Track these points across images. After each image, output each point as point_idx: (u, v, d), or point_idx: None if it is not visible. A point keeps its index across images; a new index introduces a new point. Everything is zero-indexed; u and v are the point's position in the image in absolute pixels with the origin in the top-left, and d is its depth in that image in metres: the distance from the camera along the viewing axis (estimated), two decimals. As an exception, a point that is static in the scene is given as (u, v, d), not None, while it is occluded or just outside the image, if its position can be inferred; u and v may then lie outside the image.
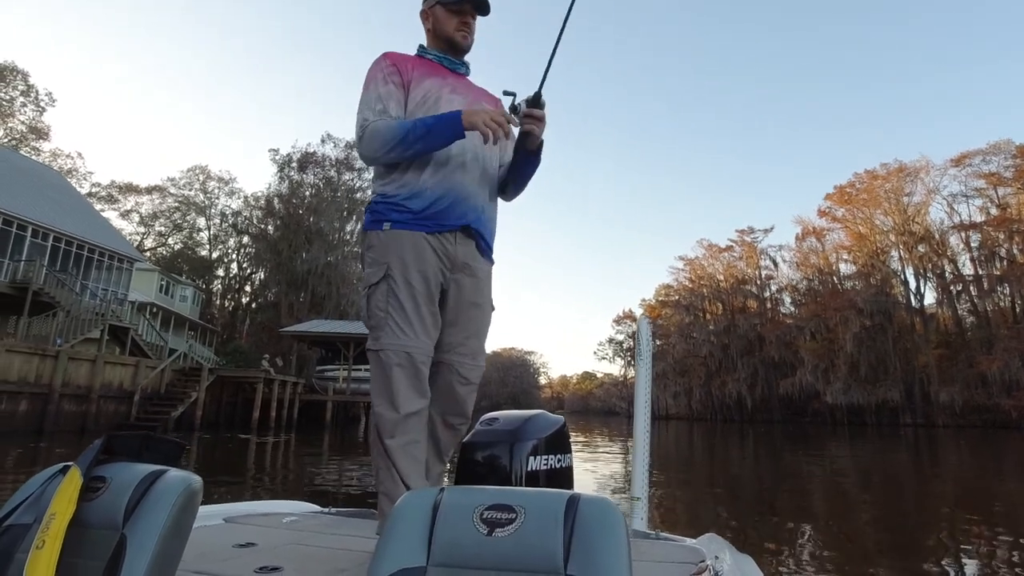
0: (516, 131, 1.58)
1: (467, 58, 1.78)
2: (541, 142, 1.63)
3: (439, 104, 1.60)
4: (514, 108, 1.54)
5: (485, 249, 1.66)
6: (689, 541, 1.52)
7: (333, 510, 1.84)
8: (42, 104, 38.33)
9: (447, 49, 1.72)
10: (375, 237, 1.58)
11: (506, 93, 1.57)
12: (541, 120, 1.56)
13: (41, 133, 38.73)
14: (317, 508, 1.90)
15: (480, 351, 1.65)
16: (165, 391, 20.01)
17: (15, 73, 36.59)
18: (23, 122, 37.89)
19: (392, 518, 0.67)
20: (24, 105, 37.56)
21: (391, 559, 0.63)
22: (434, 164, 1.56)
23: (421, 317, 1.52)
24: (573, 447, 1.84)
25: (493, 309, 1.71)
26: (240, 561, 1.18)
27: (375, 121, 1.55)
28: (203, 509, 1.28)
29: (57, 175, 29.86)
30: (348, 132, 42.71)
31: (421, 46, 1.75)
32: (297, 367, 28.73)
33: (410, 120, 1.53)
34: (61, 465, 0.81)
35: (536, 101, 1.53)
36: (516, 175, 1.73)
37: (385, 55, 1.67)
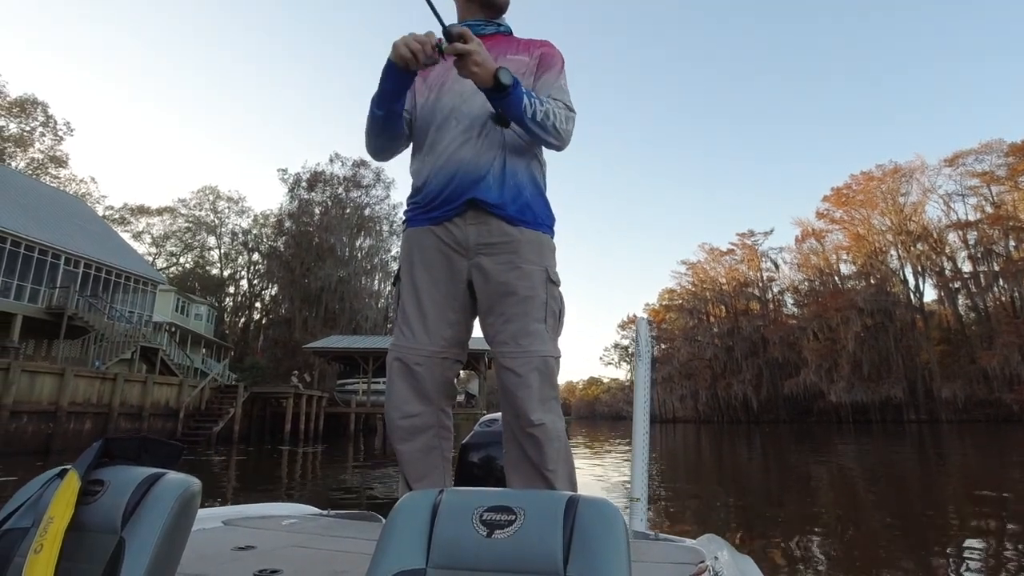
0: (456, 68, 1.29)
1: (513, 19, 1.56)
2: (497, 71, 1.26)
3: (444, 83, 1.47)
4: (439, 49, 1.26)
5: (511, 216, 1.42)
6: (688, 542, 1.51)
7: (332, 512, 1.82)
8: (60, 133, 39.78)
9: (475, 11, 1.53)
10: (402, 240, 1.55)
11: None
12: (468, 55, 1.23)
13: (60, 161, 40.03)
14: (316, 510, 1.88)
15: (525, 333, 1.38)
16: (205, 408, 21.04)
17: (35, 105, 38.04)
18: (42, 151, 39.21)
19: (391, 519, 0.67)
20: (43, 135, 38.99)
21: (390, 560, 0.62)
22: (428, 149, 1.46)
23: (423, 315, 1.44)
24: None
25: (553, 282, 1.45)
26: (239, 564, 1.18)
27: None
28: (202, 512, 1.29)
29: (82, 203, 30.97)
30: (355, 151, 43.83)
31: None
32: (317, 381, 29.69)
33: None
34: (59, 468, 0.80)
35: (449, 36, 1.23)
36: (517, 126, 1.41)
37: None
